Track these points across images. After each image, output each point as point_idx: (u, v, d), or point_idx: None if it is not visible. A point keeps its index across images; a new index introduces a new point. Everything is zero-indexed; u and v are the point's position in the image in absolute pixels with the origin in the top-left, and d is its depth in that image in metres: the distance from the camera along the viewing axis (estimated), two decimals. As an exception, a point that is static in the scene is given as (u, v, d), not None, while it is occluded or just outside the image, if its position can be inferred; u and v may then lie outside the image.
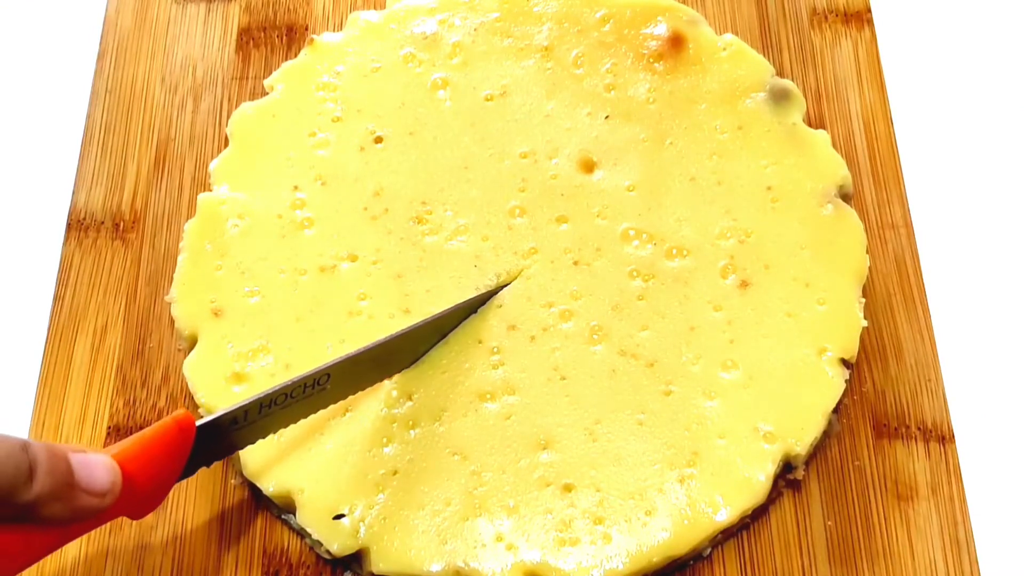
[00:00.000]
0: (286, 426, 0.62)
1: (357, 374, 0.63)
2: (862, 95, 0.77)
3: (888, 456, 0.66)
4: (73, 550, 0.64)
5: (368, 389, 0.65)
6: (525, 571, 0.61)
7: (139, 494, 0.54)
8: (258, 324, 0.67)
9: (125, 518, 0.60)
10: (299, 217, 0.71)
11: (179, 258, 0.70)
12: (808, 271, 0.68)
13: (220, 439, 0.59)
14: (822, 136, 0.72)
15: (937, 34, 0.80)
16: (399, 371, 0.66)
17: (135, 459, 0.53)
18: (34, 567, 0.64)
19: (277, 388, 0.59)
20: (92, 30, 0.82)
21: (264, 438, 0.61)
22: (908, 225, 0.73)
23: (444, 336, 0.67)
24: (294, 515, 0.63)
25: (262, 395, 0.59)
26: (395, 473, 0.63)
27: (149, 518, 0.65)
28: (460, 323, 0.67)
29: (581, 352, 0.66)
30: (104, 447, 0.67)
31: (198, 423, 0.56)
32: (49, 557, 0.64)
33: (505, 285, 0.68)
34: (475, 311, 0.67)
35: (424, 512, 0.62)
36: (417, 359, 0.66)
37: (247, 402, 0.58)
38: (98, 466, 0.51)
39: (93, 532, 0.64)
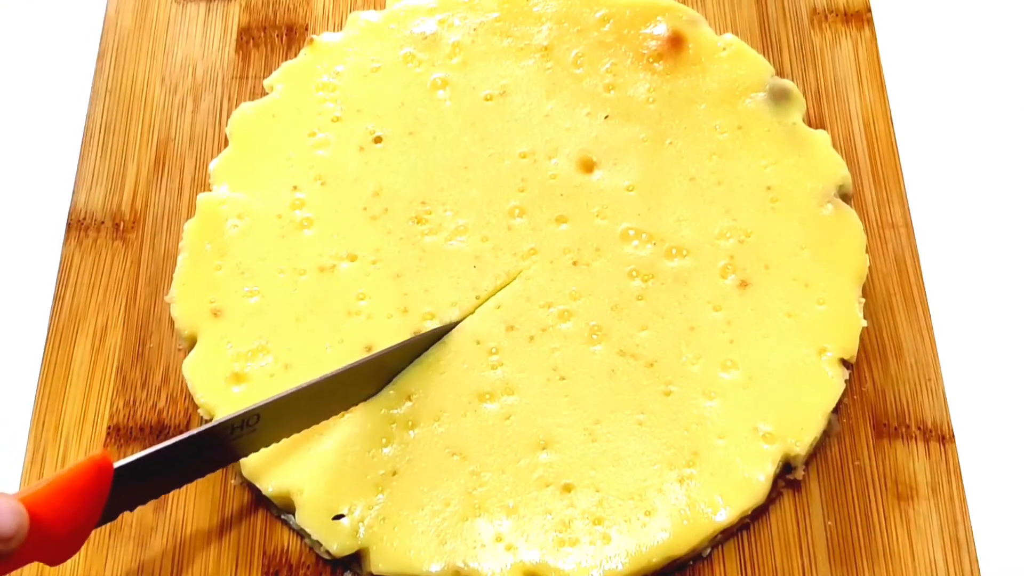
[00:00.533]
0: (214, 470, 0.61)
1: (288, 416, 0.61)
2: (862, 95, 0.77)
3: (888, 456, 0.66)
4: (73, 550, 0.64)
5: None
6: (524, 571, 0.61)
7: (52, 539, 0.51)
8: (257, 324, 0.67)
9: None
10: (298, 217, 0.71)
11: (179, 258, 0.70)
12: (808, 271, 0.68)
13: (140, 481, 0.56)
14: (822, 136, 0.72)
15: (937, 34, 0.80)
16: (353, 405, 0.65)
17: (47, 503, 0.50)
18: (34, 568, 0.64)
19: (201, 430, 0.58)
20: (92, 30, 0.82)
21: (191, 482, 0.60)
22: (908, 225, 0.73)
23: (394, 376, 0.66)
24: (294, 515, 0.63)
25: (184, 437, 0.57)
26: (394, 473, 0.63)
27: (149, 518, 0.65)
28: (417, 356, 0.66)
29: (580, 352, 0.66)
30: (104, 447, 0.67)
31: (116, 465, 0.54)
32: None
33: (504, 286, 0.69)
34: (441, 336, 0.67)
35: (423, 512, 0.62)
36: (374, 394, 0.65)
37: (168, 444, 0.56)
38: (2, 511, 0.48)
39: (92, 533, 0.64)
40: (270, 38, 0.81)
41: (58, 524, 0.51)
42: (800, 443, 0.63)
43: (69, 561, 0.64)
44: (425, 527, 0.62)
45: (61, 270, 0.73)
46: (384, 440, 0.64)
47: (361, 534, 0.61)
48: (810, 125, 0.74)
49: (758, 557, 0.64)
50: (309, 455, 0.64)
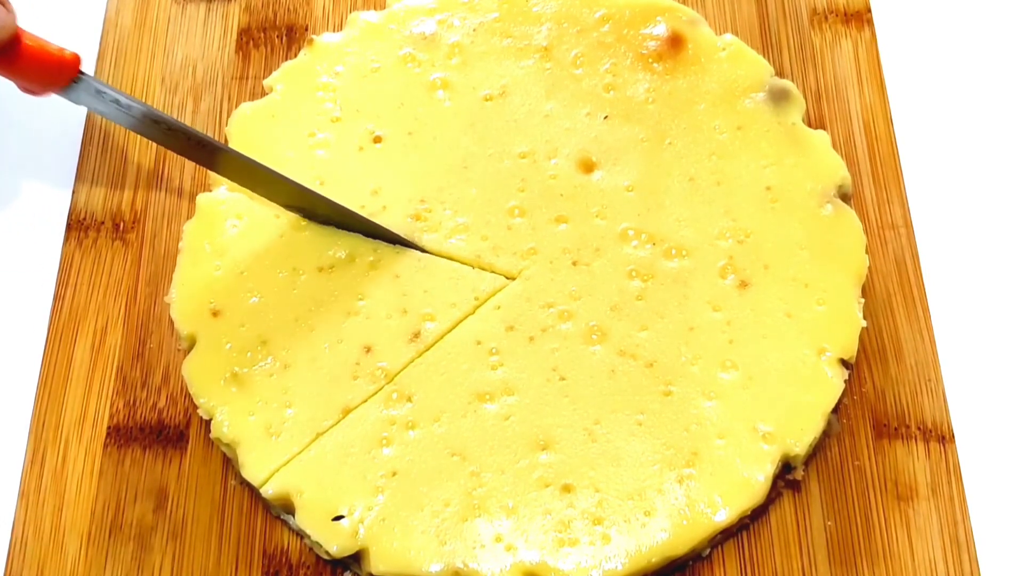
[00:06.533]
0: None
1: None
2: (862, 95, 0.77)
3: (888, 456, 0.66)
4: (73, 550, 0.64)
5: (368, 392, 0.65)
6: (524, 571, 0.61)
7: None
8: (257, 324, 0.67)
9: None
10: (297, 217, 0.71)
11: (178, 258, 0.70)
12: (807, 271, 0.68)
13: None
14: (822, 136, 0.72)
15: (937, 34, 0.80)
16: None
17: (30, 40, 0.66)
18: (34, 567, 0.64)
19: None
20: (92, 30, 0.82)
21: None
22: (908, 225, 0.73)
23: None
24: (293, 516, 0.63)
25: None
26: (394, 474, 0.63)
27: (149, 518, 0.65)
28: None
29: (580, 352, 0.66)
30: (104, 447, 0.67)
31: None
32: (48, 558, 0.64)
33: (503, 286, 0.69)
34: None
35: (423, 513, 0.62)
36: None
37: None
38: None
39: (92, 534, 0.64)
40: (270, 38, 0.81)
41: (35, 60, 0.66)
42: (800, 443, 0.63)
43: (70, 559, 0.64)
44: (425, 527, 0.62)
45: (61, 270, 0.73)
46: (384, 441, 0.64)
47: (361, 535, 0.61)
48: (810, 125, 0.74)
49: (758, 557, 0.64)
50: (309, 457, 0.64)
